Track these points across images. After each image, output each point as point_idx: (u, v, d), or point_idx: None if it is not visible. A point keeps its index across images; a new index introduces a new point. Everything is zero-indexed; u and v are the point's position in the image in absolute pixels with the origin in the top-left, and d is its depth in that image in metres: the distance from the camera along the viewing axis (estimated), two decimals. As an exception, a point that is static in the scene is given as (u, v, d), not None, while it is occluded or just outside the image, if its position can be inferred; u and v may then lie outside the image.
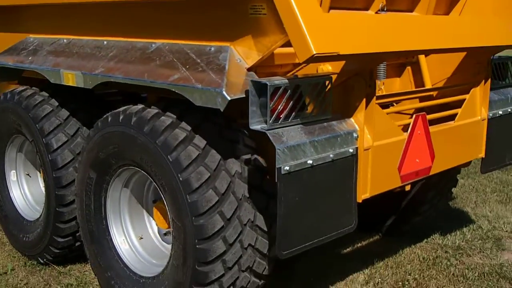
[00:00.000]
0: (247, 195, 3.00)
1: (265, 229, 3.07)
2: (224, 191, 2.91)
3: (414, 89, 4.03)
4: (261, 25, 2.72)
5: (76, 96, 4.00)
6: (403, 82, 4.11)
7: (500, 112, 3.96)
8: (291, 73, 3.24)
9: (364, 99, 2.88)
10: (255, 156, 3.11)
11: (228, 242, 2.92)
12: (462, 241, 4.62)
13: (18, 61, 4.08)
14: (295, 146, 2.60)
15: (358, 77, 2.85)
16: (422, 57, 3.98)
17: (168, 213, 3.07)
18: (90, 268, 4.06)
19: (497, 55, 3.91)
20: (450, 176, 4.46)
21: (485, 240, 4.65)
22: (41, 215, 4.12)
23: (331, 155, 2.75)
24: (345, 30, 2.51)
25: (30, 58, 4.00)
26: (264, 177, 3.09)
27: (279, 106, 2.56)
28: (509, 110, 4.05)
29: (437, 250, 4.45)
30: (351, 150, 2.85)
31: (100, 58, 3.50)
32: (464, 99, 3.68)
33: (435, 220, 4.94)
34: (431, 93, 3.85)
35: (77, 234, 3.93)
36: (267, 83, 2.49)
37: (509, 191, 5.99)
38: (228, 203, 2.91)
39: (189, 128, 3.01)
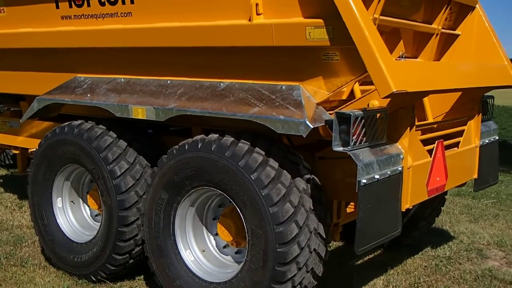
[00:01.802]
0: (312, 207, 3.64)
1: (324, 236, 3.70)
2: (297, 204, 3.54)
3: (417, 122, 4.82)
4: (332, 69, 3.43)
5: (129, 129, 4.52)
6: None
7: (487, 141, 4.82)
8: (340, 108, 3.92)
9: (408, 128, 3.61)
10: (313, 175, 3.76)
11: (301, 246, 3.53)
12: (451, 253, 5.41)
13: (75, 98, 4.55)
14: (368, 164, 3.28)
15: (404, 110, 3.58)
16: (423, 95, 4.78)
17: (245, 224, 3.64)
18: (140, 284, 4.55)
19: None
20: (441, 196, 5.27)
21: (469, 252, 5.47)
22: (95, 237, 4.54)
23: (388, 172, 3.44)
24: (405, 73, 3.26)
25: (88, 95, 4.50)
26: (321, 193, 3.75)
27: (356, 132, 3.25)
28: (492, 139, 4.93)
29: (433, 260, 5.20)
30: (399, 168, 3.56)
31: (168, 95, 4.06)
32: (463, 130, 4.50)
33: (423, 237, 5.71)
34: (433, 125, 4.65)
35: (133, 252, 4.41)
36: (351, 113, 3.17)
37: (473, 213, 6.91)
38: (300, 213, 3.54)
39: (262, 152, 3.63)
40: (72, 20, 4.63)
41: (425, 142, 4.00)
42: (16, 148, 6.18)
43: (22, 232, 5.80)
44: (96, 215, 4.90)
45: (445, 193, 5.39)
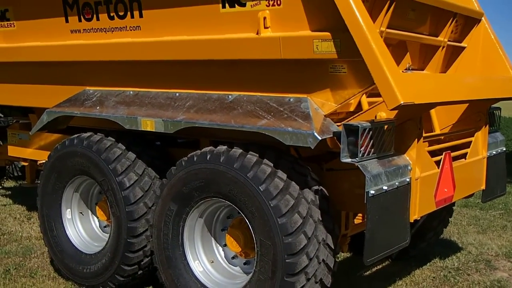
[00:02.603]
0: (320, 218, 3.65)
1: (332, 247, 3.72)
2: (305, 215, 3.56)
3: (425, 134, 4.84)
4: (339, 81, 3.46)
5: (137, 141, 4.56)
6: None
7: (494, 152, 4.83)
8: (348, 119, 3.94)
9: (416, 139, 3.63)
10: (321, 187, 3.78)
11: (309, 257, 3.54)
12: (459, 264, 5.40)
13: (84, 111, 4.60)
14: (376, 175, 3.30)
15: (411, 122, 3.61)
16: (430, 107, 4.80)
17: (254, 235, 3.66)
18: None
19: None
20: (448, 207, 5.27)
21: (477, 262, 5.46)
22: (104, 248, 4.57)
23: (396, 183, 3.46)
24: (412, 85, 3.29)
25: (97, 107, 4.55)
26: (329, 204, 3.76)
27: (364, 144, 3.27)
28: (499, 150, 4.94)
29: (441, 271, 5.20)
30: (407, 180, 3.58)
31: (177, 107, 4.10)
32: (471, 141, 4.52)
33: (431, 248, 5.71)
34: (441, 137, 4.67)
35: (141, 263, 4.43)
36: (359, 125, 3.20)
37: (481, 224, 6.90)
38: (308, 224, 3.55)
39: (271, 164, 3.66)
40: (81, 33, 4.69)
41: (433, 154, 4.02)
42: (25, 160, 6.23)
43: (31, 243, 5.84)
44: (105, 226, 4.93)
45: (453, 204, 5.40)
